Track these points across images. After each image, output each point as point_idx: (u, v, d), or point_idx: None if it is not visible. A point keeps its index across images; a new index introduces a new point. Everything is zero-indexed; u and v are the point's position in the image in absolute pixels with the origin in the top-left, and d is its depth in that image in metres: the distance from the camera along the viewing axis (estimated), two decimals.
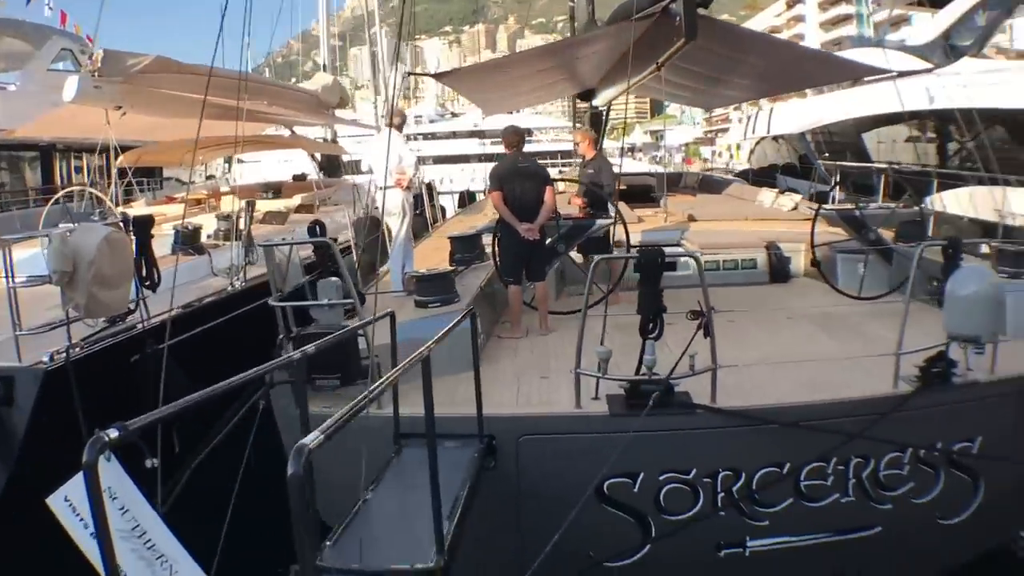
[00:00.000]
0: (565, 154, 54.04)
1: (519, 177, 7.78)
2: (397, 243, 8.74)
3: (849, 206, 9.45)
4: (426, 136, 69.43)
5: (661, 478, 5.55)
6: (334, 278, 6.06)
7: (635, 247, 9.43)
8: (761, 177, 23.41)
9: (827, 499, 5.72)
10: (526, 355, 7.18)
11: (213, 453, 6.05)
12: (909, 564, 6.18)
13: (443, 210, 21.76)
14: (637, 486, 5.55)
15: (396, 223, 8.78)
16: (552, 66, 12.20)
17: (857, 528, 5.86)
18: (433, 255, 10.54)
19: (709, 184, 17.92)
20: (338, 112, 20.89)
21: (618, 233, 8.79)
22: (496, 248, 8.24)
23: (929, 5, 15.77)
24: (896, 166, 15.28)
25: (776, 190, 14.75)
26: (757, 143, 30.91)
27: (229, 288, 10.11)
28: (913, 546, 6.03)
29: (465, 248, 9.23)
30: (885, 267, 8.90)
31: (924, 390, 5.64)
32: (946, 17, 12.34)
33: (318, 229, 7.97)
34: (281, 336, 6.04)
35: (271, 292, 6.24)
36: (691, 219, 12.49)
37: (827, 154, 21.94)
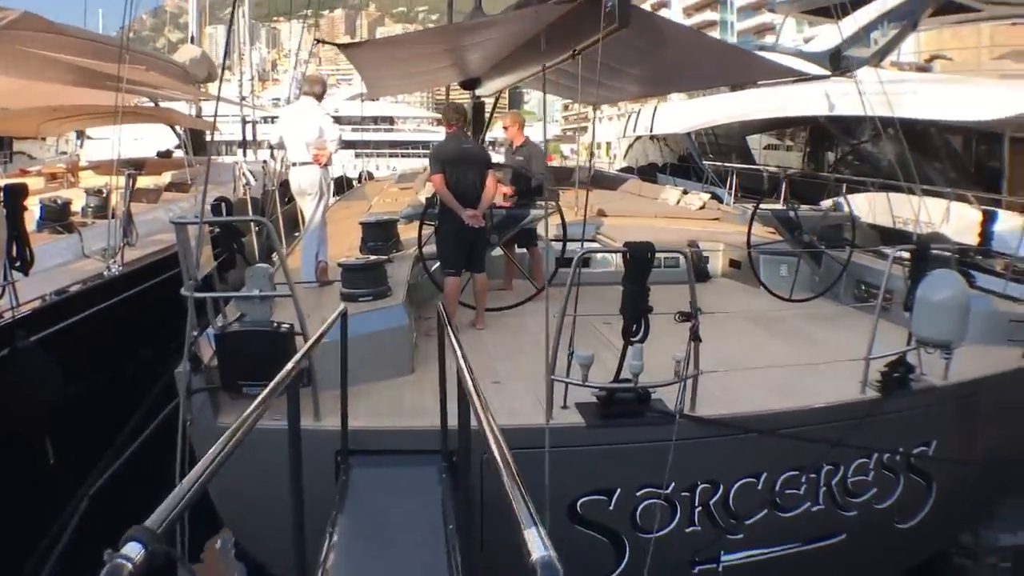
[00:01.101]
0: (426, 144, 53.66)
1: (462, 160, 7.26)
2: (310, 227, 7.95)
3: (780, 207, 9.38)
4: None
5: (639, 494, 5.21)
6: (264, 265, 5.27)
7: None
8: (642, 176, 23.59)
9: (799, 508, 5.59)
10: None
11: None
12: (869, 570, 6.16)
13: None
14: (613, 503, 5.20)
15: (310, 205, 7.98)
16: (448, 49, 11.68)
17: (824, 536, 5.77)
18: (338, 243, 9.85)
19: (602, 180, 17.72)
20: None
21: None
22: (418, 236, 7.69)
23: (826, 15, 16.16)
24: (791, 170, 15.66)
25: (680, 188, 14.74)
26: (633, 142, 31.24)
27: (106, 272, 9.13)
28: (873, 552, 6.02)
29: (379, 235, 8.44)
30: (812, 270, 8.87)
31: (891, 395, 5.67)
32: (849, 26, 12.52)
33: (224, 207, 7.16)
34: (192, 332, 5.10)
35: (182, 279, 5.33)
36: (602, 214, 12.23)
37: (711, 155, 22.34)
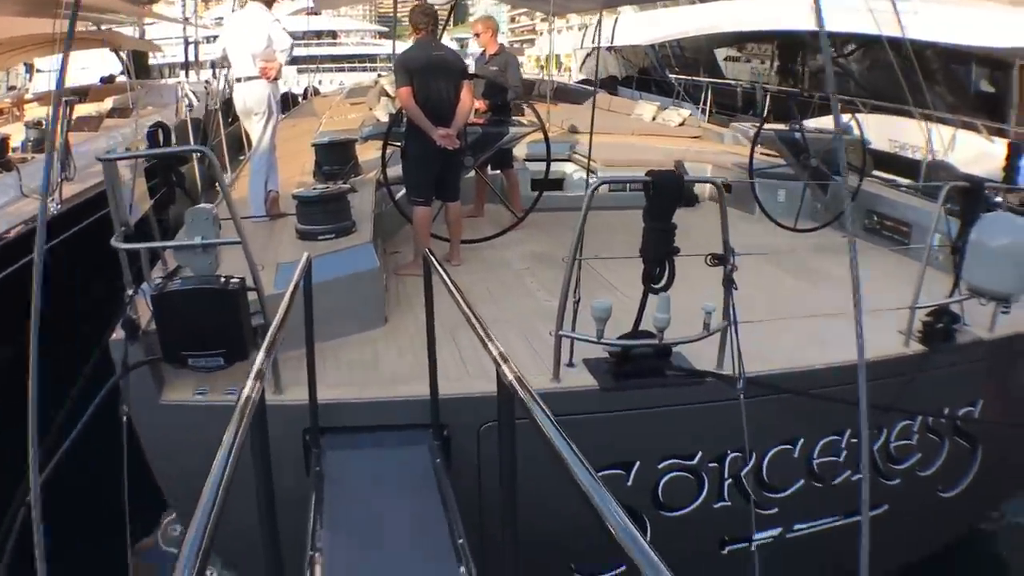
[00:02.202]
0: (371, 58, 51.52)
1: (433, 70, 6.22)
2: (258, 152, 6.87)
3: (782, 127, 8.53)
4: None
5: (660, 466, 4.47)
6: (205, 206, 4.08)
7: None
8: (602, 89, 22.52)
9: (839, 478, 4.93)
10: (444, 299, 5.74)
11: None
12: (910, 543, 5.51)
13: None
14: (632, 478, 4.44)
15: (258, 126, 6.87)
16: None
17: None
18: (287, 167, 8.76)
19: (566, 94, 16.68)
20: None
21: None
22: (382, 158, 6.70)
23: None
24: (766, 85, 14.80)
25: (655, 104, 13.79)
26: (588, 55, 29.99)
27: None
28: (915, 523, 5.39)
29: (335, 158, 7.40)
30: (817, 197, 8.08)
31: (938, 349, 4.99)
32: None
33: (161, 134, 6.03)
34: (128, 291, 4.12)
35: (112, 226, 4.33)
36: (574, 130, 11.27)
37: (676, 68, 21.35)
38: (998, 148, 10.12)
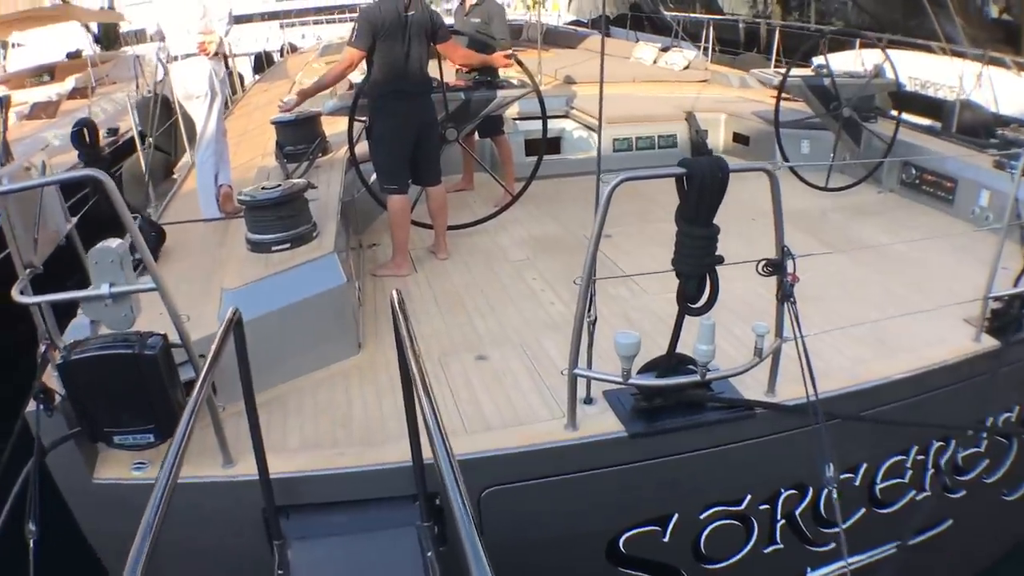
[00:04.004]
0: (353, 8, 49.88)
1: (404, 32, 5.31)
2: (204, 141, 6.01)
3: (809, 72, 7.65)
4: None
5: (703, 516, 3.73)
6: (111, 243, 3.13)
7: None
8: (595, 30, 21.33)
9: (902, 500, 4.30)
10: (430, 308, 4.95)
11: None
12: (973, 555, 4.96)
13: (241, 78, 18.25)
14: (668, 533, 3.73)
15: (201, 109, 6.00)
16: None
17: (928, 527, 4.46)
18: (248, 148, 7.85)
19: (556, 37, 15.57)
20: None
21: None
22: (349, 137, 5.91)
23: None
24: (772, 22, 13.78)
25: (656, 45, 12.75)
26: None
27: None
28: (979, 533, 4.83)
29: (298, 136, 6.34)
30: (848, 149, 7.24)
31: (1013, 342, 4.27)
32: None
33: (87, 134, 5.11)
34: (43, 348, 3.33)
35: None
36: (569, 81, 10.34)
37: (671, 4, 20.22)
38: None
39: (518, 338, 4.45)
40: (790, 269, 3.31)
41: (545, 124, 6.46)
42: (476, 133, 7.08)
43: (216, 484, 3.25)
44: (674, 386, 3.39)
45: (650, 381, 3.40)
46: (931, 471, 4.27)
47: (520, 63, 6.51)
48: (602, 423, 3.51)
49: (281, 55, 20.95)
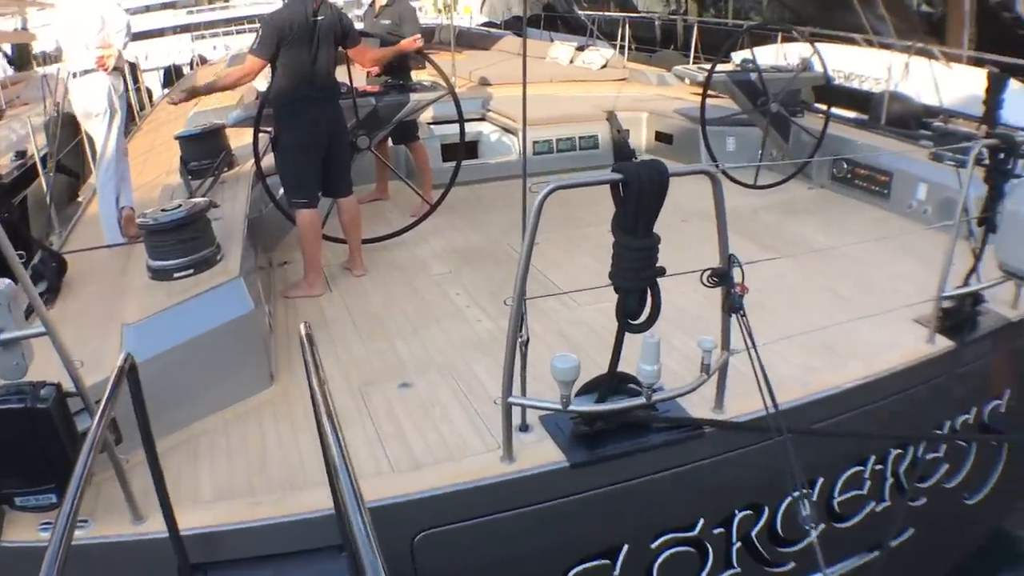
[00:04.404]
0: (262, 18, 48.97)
1: (312, 37, 4.98)
2: (105, 161, 5.56)
3: (734, 68, 7.51)
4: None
5: (654, 545, 3.46)
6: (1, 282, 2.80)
7: None
8: (508, 31, 21.13)
9: (860, 513, 4.08)
10: (347, 332, 4.59)
11: None
12: (935, 562, 4.77)
13: (149, 93, 17.59)
14: (619, 565, 3.45)
15: (101, 128, 5.55)
16: None
17: (888, 538, 4.21)
18: (154, 166, 7.38)
19: (470, 39, 15.31)
20: None
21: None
22: (254, 149, 5.50)
23: None
24: (689, 19, 13.72)
25: (572, 44, 12.57)
26: None
27: None
28: (940, 540, 4.66)
29: (202, 151, 6.00)
30: (777, 145, 7.12)
31: (968, 342, 4.17)
32: None
33: None
34: None
35: None
36: (484, 83, 10.08)
37: (584, 2, 20.14)
38: (957, 75, 9.31)
39: (444, 361, 4.13)
40: (737, 278, 3.08)
41: (462, 128, 6.16)
42: (389, 140, 6.75)
43: (125, 543, 2.89)
44: (618, 411, 3.11)
45: (592, 407, 3.11)
46: (890, 480, 4.09)
47: (434, 64, 6.21)
48: (541, 453, 3.21)
49: (191, 68, 20.32)
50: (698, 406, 3.45)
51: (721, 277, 3.05)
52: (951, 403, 4.19)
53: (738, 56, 9.50)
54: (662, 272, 2.90)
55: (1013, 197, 4.01)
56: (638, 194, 2.75)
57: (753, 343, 3.00)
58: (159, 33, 46.98)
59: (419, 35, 6.40)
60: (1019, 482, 5.14)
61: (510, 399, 2.98)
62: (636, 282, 2.89)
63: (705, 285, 3.07)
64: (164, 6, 51.86)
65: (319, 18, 4.98)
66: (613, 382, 3.17)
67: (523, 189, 3.26)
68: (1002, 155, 4.06)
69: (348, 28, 5.26)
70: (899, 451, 4.05)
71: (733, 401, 3.49)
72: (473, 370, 4.01)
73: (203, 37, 43.06)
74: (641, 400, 3.05)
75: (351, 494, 2.00)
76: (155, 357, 3.39)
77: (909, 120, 7.66)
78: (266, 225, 5.85)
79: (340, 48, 5.30)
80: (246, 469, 3.33)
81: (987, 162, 4.16)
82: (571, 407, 2.99)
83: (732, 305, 3.08)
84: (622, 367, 3.13)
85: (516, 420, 3.29)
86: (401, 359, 4.19)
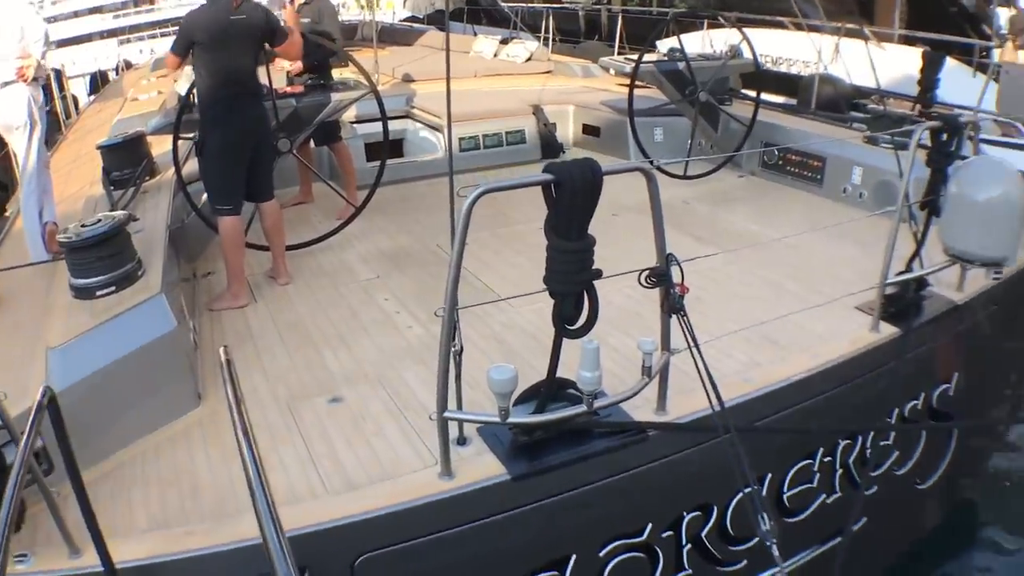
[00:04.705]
0: None
1: (229, 37, 4.79)
2: (27, 175, 5.26)
3: (662, 57, 7.44)
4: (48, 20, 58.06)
5: (603, 553, 3.35)
6: None
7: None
8: (431, 26, 20.89)
9: (812, 506, 4.04)
10: (273, 345, 4.39)
11: None
12: (891, 549, 4.74)
13: (75, 100, 16.98)
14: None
15: (21, 141, 5.27)
16: None
17: (841, 530, 4.16)
18: (78, 177, 7.05)
19: (393, 35, 15.08)
20: None
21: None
22: (174, 155, 5.32)
23: None
24: (613, 7, 13.67)
25: (496, 38, 12.44)
26: None
27: None
28: (894, 527, 4.62)
29: (123, 161, 5.71)
30: (706, 135, 7.07)
31: (914, 328, 4.14)
32: None
33: None
34: None
35: None
36: (408, 79, 9.90)
37: None
38: (889, 55, 9.41)
39: (375, 373, 3.95)
40: (676, 278, 2.98)
41: (386, 126, 5.97)
42: (311, 141, 6.53)
43: None
44: (560, 420, 2.98)
45: (532, 418, 2.97)
46: (840, 472, 4.05)
47: (355, 62, 6.02)
48: (481, 467, 3.06)
49: (117, 73, 19.71)
50: (640, 408, 3.35)
51: (660, 277, 2.94)
52: (900, 390, 4.15)
53: (665, 45, 9.49)
54: (599, 274, 2.77)
55: (957, 179, 4.00)
56: (571, 195, 2.62)
57: (696, 344, 2.90)
58: (87, 39, 45.97)
59: (338, 38, 6.21)
60: (970, 466, 5.21)
61: (446, 414, 2.83)
62: (572, 286, 2.76)
63: (644, 286, 2.96)
64: (91, 11, 50.78)
65: (238, 17, 4.79)
66: (552, 389, 3.04)
67: (450, 191, 3.12)
68: (944, 137, 4.03)
69: (275, 26, 5.07)
70: (848, 442, 4.00)
71: (675, 401, 3.40)
72: (405, 380, 3.85)
73: (129, 41, 42.17)
74: (582, 408, 2.92)
75: (271, 529, 1.94)
76: (80, 382, 3.24)
77: (840, 103, 7.70)
78: (189, 235, 5.63)
79: (269, 47, 5.15)
80: (178, 496, 3.15)
81: (929, 144, 4.15)
82: (510, 419, 2.85)
83: (672, 306, 2.97)
84: (561, 371, 3.01)
85: (453, 433, 3.15)
86: (330, 371, 4.01)
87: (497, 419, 2.83)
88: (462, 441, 3.21)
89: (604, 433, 3.23)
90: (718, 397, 2.95)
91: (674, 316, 3.00)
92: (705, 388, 2.93)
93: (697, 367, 2.91)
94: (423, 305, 4.67)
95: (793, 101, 8.92)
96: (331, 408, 3.67)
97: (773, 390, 3.62)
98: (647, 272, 2.94)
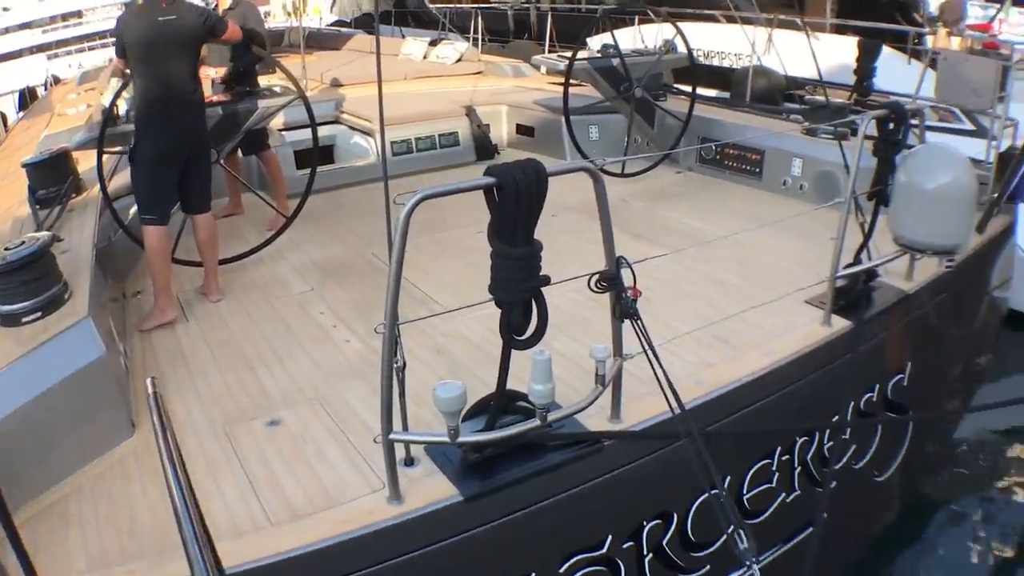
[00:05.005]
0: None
1: (161, 39, 4.58)
2: None
3: (595, 54, 7.34)
4: None
5: (563, 569, 3.23)
6: None
7: None
8: (359, 29, 20.60)
9: (772, 506, 3.95)
10: (206, 366, 4.16)
11: None
12: (853, 544, 4.76)
13: (3, 117, 16.35)
14: None
15: None
16: None
17: (803, 527, 4.15)
18: (4, 197, 6.71)
19: (320, 40, 14.77)
20: None
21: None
22: (98, 171, 5.04)
23: None
24: (542, 5, 13.57)
25: (425, 39, 12.24)
26: None
27: None
28: (854, 521, 4.64)
29: (48, 179, 5.37)
30: (643, 131, 6.99)
31: (866, 320, 4.13)
32: None
33: None
34: None
35: None
36: (336, 84, 9.67)
37: None
38: (823, 44, 9.43)
39: (314, 392, 3.76)
40: (627, 280, 2.86)
41: (315, 132, 5.75)
42: (239, 151, 6.29)
43: None
44: (514, 436, 2.82)
45: (484, 436, 2.81)
46: (798, 469, 3.98)
47: (282, 68, 5.80)
48: (431, 490, 2.90)
49: (46, 89, 19.06)
50: (594, 417, 3.21)
51: (610, 281, 2.82)
52: (855, 383, 4.11)
53: (596, 41, 9.40)
54: (547, 281, 2.64)
55: (905, 168, 3.96)
56: (515, 198, 2.48)
57: (652, 348, 2.79)
58: (17, 55, 44.68)
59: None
60: (926, 455, 5.20)
61: (392, 435, 2.66)
62: (519, 294, 2.62)
63: (594, 291, 2.83)
64: (21, 27, 49.42)
65: (168, 18, 4.57)
66: (502, 403, 2.90)
67: (386, 199, 2.94)
68: (891, 125, 3.98)
69: (213, 22, 4.86)
70: (805, 439, 3.94)
71: (629, 407, 3.30)
72: (346, 399, 3.66)
73: (57, 56, 41.21)
74: (535, 423, 2.77)
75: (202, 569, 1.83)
76: (7, 417, 3.03)
77: (775, 94, 7.70)
78: (117, 253, 5.34)
79: (214, 40, 4.99)
80: (116, 533, 2.94)
81: (871, 133, 4.11)
82: (460, 439, 2.69)
83: (625, 310, 2.85)
84: (510, 381, 2.87)
85: (400, 453, 2.98)
86: (267, 392, 3.81)
87: (446, 439, 2.67)
88: (409, 462, 3.04)
89: (558, 445, 3.09)
90: (678, 401, 2.84)
91: (626, 320, 2.90)
92: (664, 393, 2.83)
93: (655, 372, 2.80)
94: (360, 318, 4.49)
95: (727, 94, 8.90)
96: (270, 431, 3.47)
97: (728, 391, 3.53)
98: (597, 276, 2.82)
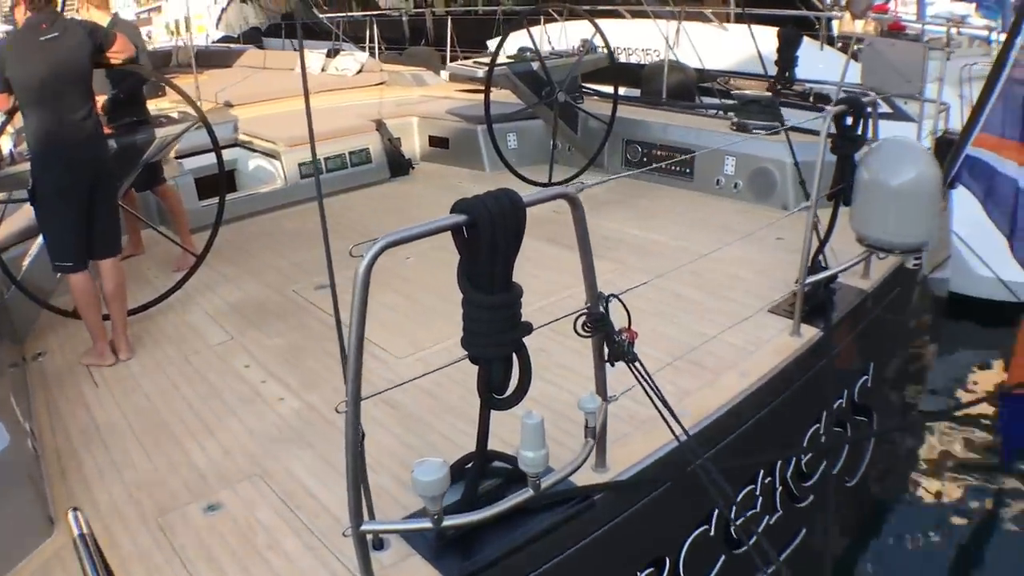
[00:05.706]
0: None
1: (47, 61, 4.00)
2: None
3: (511, 59, 6.97)
4: None
5: None
6: None
7: None
8: (249, 44, 19.80)
9: (757, 531, 3.65)
10: (126, 442, 3.55)
11: None
12: (831, 550, 4.46)
13: None
14: None
15: None
16: None
17: (785, 545, 3.97)
18: None
19: (210, 58, 13.98)
20: None
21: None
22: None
23: None
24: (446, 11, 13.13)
25: (322, 51, 11.66)
26: (224, 9, 26.70)
27: None
28: (830, 530, 4.36)
29: None
30: (566, 137, 6.67)
31: (833, 326, 3.86)
32: None
33: None
34: None
35: None
36: (229, 106, 9.04)
37: (324, 6, 19.16)
38: (734, 37, 9.28)
39: (253, 466, 3.23)
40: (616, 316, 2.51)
41: (220, 158, 5.19)
42: (134, 188, 5.68)
43: None
44: (507, 511, 2.41)
45: (473, 516, 2.36)
46: (779, 489, 3.72)
47: (178, 89, 5.21)
48: (409, 574, 2.49)
49: None
50: (579, 470, 2.84)
51: (598, 323, 2.45)
52: (827, 390, 3.88)
53: (492, 44, 9.05)
54: (529, 329, 2.25)
55: (867, 165, 3.71)
56: (491, 235, 2.09)
57: (657, 391, 2.44)
58: None
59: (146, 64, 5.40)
60: (889, 455, 5.05)
61: (364, 527, 2.24)
62: (499, 349, 2.22)
63: (581, 335, 2.46)
64: None
65: (50, 37, 4.01)
66: (483, 469, 2.51)
67: (323, 228, 2.44)
68: (849, 120, 3.72)
69: (103, 39, 4.28)
70: (783, 462, 3.68)
71: (612, 454, 2.94)
72: (291, 471, 3.16)
73: None
74: (528, 493, 2.37)
75: None
76: None
77: (690, 88, 7.48)
78: (12, 312, 4.67)
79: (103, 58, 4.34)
80: None
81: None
82: (447, 522, 2.27)
83: (620, 354, 2.48)
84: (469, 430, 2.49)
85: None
86: (199, 470, 3.27)
87: (430, 524, 2.25)
88: (378, 544, 2.61)
89: (544, 507, 2.71)
90: (684, 431, 2.55)
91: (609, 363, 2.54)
92: (673, 432, 2.54)
93: (662, 415, 2.47)
94: (290, 368, 3.99)
95: (637, 91, 8.66)
96: (209, 519, 2.95)
97: (714, 420, 3.22)
98: (582, 318, 2.45)
